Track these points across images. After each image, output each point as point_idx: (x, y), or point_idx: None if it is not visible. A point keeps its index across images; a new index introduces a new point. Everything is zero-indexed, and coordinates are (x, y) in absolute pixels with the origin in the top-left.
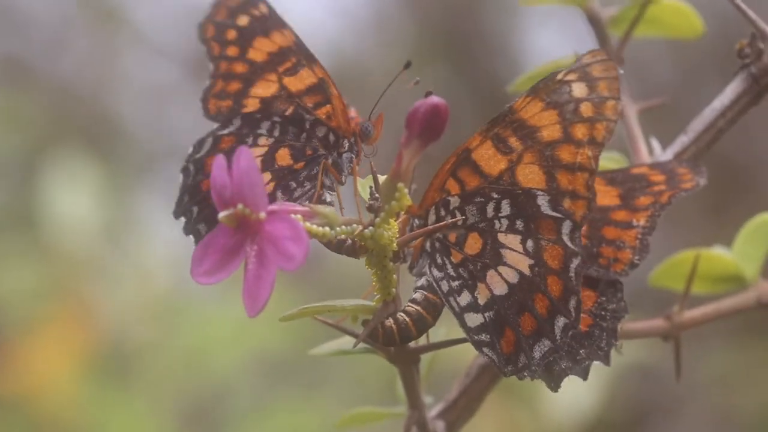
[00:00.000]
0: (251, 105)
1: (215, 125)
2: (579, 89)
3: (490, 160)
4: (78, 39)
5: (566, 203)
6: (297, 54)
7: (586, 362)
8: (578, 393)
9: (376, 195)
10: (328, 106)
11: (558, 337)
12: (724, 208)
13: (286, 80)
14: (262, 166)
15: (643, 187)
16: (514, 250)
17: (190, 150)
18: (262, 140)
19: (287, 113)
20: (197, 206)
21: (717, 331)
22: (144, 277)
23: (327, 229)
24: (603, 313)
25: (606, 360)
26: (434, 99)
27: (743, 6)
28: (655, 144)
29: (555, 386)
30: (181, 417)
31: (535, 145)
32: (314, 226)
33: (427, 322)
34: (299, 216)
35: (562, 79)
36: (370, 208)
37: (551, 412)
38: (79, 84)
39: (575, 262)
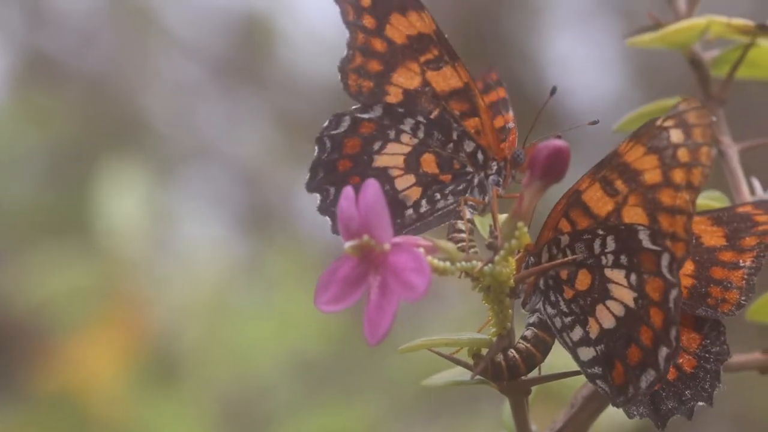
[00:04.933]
0: (394, 95)
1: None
2: (676, 135)
3: (598, 201)
4: (108, 37)
5: (667, 243)
6: (438, 46)
7: (691, 403)
8: None
9: (496, 233)
10: (477, 119)
11: (662, 367)
12: None
13: (429, 75)
14: (405, 167)
15: (749, 227)
16: (620, 284)
17: (326, 123)
18: (405, 138)
19: (432, 116)
20: (334, 187)
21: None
22: (189, 278)
23: (448, 263)
24: (707, 355)
25: (709, 401)
26: (557, 142)
27: None
28: (757, 184)
29: (661, 425)
30: (223, 416)
31: (638, 188)
32: (436, 260)
33: (536, 358)
34: (422, 249)
35: (661, 125)
36: (489, 246)
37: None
38: (108, 82)
39: (674, 293)
